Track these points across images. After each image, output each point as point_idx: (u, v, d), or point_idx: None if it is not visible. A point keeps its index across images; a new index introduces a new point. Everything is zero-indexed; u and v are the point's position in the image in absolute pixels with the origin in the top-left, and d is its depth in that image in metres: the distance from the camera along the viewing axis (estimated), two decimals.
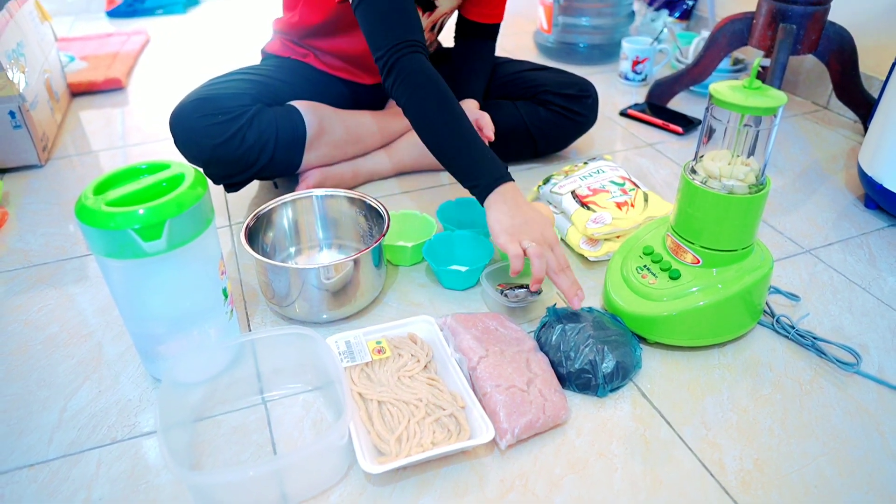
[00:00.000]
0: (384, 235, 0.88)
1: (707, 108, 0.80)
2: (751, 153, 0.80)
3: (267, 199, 1.20)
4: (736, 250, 0.82)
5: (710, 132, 0.82)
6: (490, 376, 0.75)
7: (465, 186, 0.90)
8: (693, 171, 0.83)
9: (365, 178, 1.24)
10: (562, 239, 1.04)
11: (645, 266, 0.88)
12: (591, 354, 0.78)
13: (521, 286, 0.88)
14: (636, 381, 0.81)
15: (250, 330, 0.89)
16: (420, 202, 1.19)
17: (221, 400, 0.78)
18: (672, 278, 0.84)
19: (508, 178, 0.89)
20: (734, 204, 0.79)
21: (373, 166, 1.24)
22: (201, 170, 1.07)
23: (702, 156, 0.83)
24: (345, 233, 1.01)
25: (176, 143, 1.05)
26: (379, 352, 0.79)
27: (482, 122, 1.11)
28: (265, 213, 0.94)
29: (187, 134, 1.04)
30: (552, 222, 0.99)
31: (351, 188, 1.20)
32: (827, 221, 1.13)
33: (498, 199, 0.87)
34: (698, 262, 0.84)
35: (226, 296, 0.79)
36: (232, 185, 1.12)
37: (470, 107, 1.18)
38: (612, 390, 0.79)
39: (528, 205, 0.88)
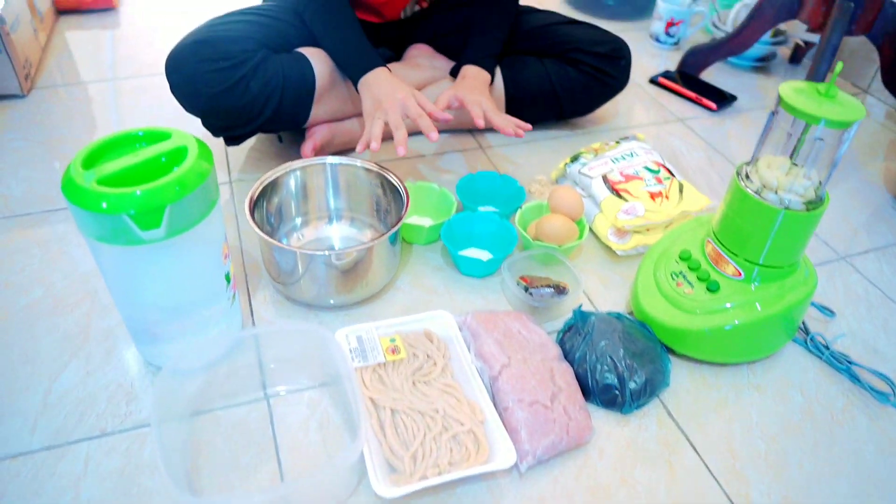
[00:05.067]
0: (402, 220, 0.80)
1: (773, 112, 0.72)
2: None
3: (270, 152, 1.11)
4: (782, 267, 0.77)
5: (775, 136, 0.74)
6: (512, 389, 0.70)
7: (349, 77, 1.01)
8: (747, 178, 0.76)
9: None
10: (589, 228, 0.97)
11: (681, 273, 0.82)
12: (620, 369, 0.73)
13: (548, 286, 0.82)
14: (662, 398, 0.77)
15: (252, 311, 0.82)
16: (438, 170, 1.10)
17: (221, 392, 0.72)
18: (710, 291, 0.78)
19: (380, 64, 0.98)
20: (789, 220, 0.72)
21: None
22: (199, 120, 0.98)
23: (757, 159, 0.76)
24: (357, 205, 0.93)
25: (172, 90, 0.95)
26: (393, 351, 0.73)
27: (474, 110, 0.96)
28: (271, 181, 0.86)
29: (185, 80, 0.94)
30: (581, 208, 0.92)
31: None
32: (862, 223, 1.08)
33: (366, 85, 0.97)
34: (740, 275, 0.78)
35: (228, 280, 0.72)
36: (233, 139, 1.03)
37: (472, 84, 1.04)
38: (637, 407, 0.75)
39: (394, 80, 0.96)
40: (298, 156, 1.09)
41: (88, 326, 0.79)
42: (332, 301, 0.81)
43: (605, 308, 0.87)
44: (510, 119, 0.97)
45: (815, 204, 0.72)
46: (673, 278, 0.81)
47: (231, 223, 0.97)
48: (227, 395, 0.72)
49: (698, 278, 0.80)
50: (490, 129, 1.21)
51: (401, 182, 0.85)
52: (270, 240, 0.76)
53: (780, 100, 0.70)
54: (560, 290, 0.82)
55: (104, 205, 0.56)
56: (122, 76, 1.32)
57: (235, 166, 1.08)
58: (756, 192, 0.73)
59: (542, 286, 0.81)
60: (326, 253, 0.75)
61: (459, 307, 0.85)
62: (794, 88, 0.70)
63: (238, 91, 0.94)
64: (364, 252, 0.77)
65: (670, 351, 0.81)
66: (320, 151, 1.07)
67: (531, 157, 1.16)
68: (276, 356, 0.74)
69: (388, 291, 0.87)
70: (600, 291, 0.90)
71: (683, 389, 0.78)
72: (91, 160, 0.61)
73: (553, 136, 1.22)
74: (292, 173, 0.88)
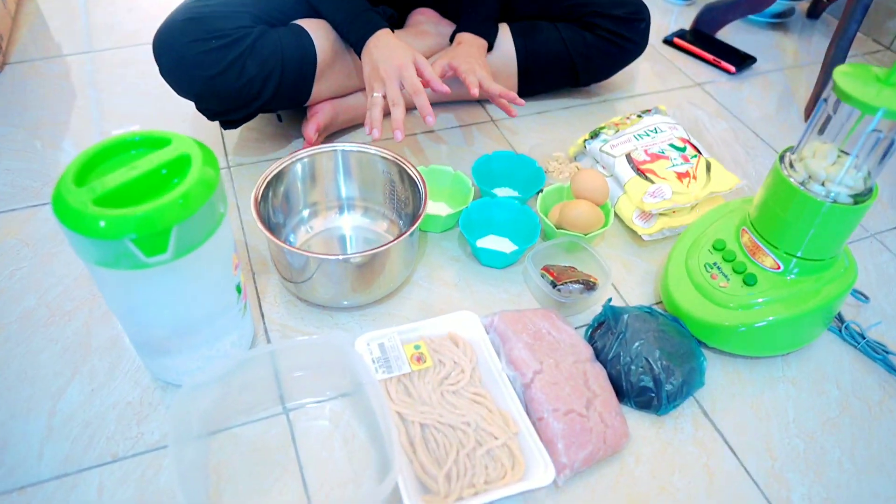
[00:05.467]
0: (420, 218, 0.74)
1: (824, 99, 0.67)
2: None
3: (269, 132, 1.04)
4: (822, 259, 0.73)
5: (824, 124, 0.68)
6: (547, 398, 0.66)
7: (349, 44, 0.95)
8: (791, 166, 0.71)
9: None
10: (612, 207, 0.92)
11: (715, 264, 0.77)
12: (656, 371, 0.70)
13: (576, 281, 0.78)
14: (696, 396, 0.74)
15: (262, 314, 0.78)
16: (448, 146, 1.04)
17: (237, 408, 0.68)
18: (747, 284, 0.74)
19: (381, 26, 0.91)
20: (835, 213, 0.68)
21: None
22: (193, 102, 0.90)
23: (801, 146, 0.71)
24: (370, 193, 0.87)
25: (162, 73, 0.87)
26: (418, 359, 0.69)
27: (469, 79, 0.91)
28: (276, 172, 0.79)
29: (175, 63, 0.86)
30: (606, 193, 0.87)
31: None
32: (889, 197, 1.03)
33: (367, 51, 0.90)
34: (779, 267, 0.74)
35: (239, 291, 0.67)
36: (229, 122, 0.96)
37: (467, 50, 0.98)
38: (672, 408, 0.72)
39: (395, 44, 0.89)
40: (299, 135, 1.03)
41: (89, 336, 0.74)
42: (345, 302, 0.77)
43: (632, 297, 0.84)
44: (506, 91, 0.93)
45: (863, 196, 0.68)
46: (707, 270, 0.77)
47: (232, 214, 0.91)
48: (244, 410, 0.68)
49: (734, 270, 0.76)
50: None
51: (417, 172, 0.79)
52: (281, 244, 0.70)
53: (833, 85, 0.65)
54: (589, 286, 0.78)
55: (103, 229, 0.51)
56: (103, 47, 1.23)
57: (232, 149, 1.02)
58: (801, 184, 0.69)
59: (570, 282, 0.77)
60: (341, 257, 0.70)
61: (481, 301, 0.81)
62: (848, 74, 0.65)
63: (234, 72, 0.86)
64: (382, 255, 0.72)
65: (701, 343, 0.78)
66: (324, 131, 1.00)
67: (545, 130, 1.10)
68: (292, 366, 0.70)
69: (406, 287, 0.82)
70: (625, 278, 0.86)
71: (717, 385, 0.75)
72: (83, 175, 0.55)
73: (567, 106, 1.16)
74: (299, 162, 0.82)
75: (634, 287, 0.85)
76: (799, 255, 0.72)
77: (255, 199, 0.73)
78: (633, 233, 0.91)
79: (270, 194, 0.79)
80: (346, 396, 0.70)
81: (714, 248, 0.79)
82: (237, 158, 1.00)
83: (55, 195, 0.53)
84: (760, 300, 0.74)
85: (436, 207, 0.91)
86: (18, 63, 1.17)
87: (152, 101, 1.10)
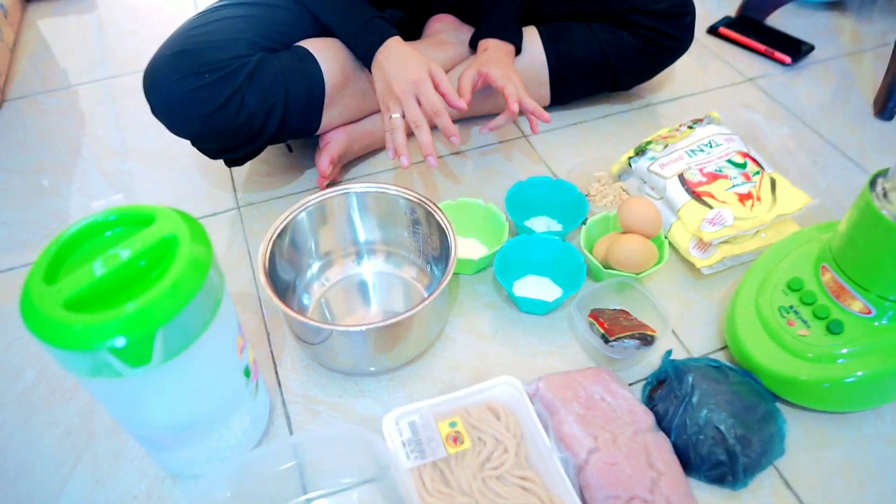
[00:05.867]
0: (450, 273, 0.66)
1: None
2: None
3: (280, 164, 0.96)
4: None
5: None
6: (605, 483, 0.57)
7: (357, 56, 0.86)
8: (885, 196, 0.60)
9: None
10: (665, 237, 0.81)
11: (791, 307, 0.67)
12: (730, 442, 0.60)
13: (631, 335, 0.68)
14: (776, 462, 0.64)
15: (279, 383, 0.70)
16: (477, 167, 0.95)
17: (256, 501, 0.61)
18: (832, 332, 0.64)
19: (390, 35, 0.82)
20: None
21: None
22: (189, 142, 0.83)
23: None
24: (392, 235, 0.78)
25: (154, 113, 0.79)
26: (455, 440, 0.61)
27: (508, 90, 0.83)
28: (282, 227, 0.71)
29: (167, 102, 0.78)
30: (658, 224, 0.77)
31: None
32: None
33: (378, 65, 0.81)
34: (869, 312, 0.63)
35: (248, 374, 0.59)
36: (233, 161, 0.88)
37: (495, 56, 0.89)
38: (749, 480, 0.62)
39: (407, 54, 0.80)
40: (312, 166, 0.95)
41: (92, 417, 0.68)
42: (372, 368, 0.69)
43: (693, 343, 0.74)
44: (538, 108, 0.85)
45: None
46: (782, 315, 0.67)
47: (243, 264, 0.83)
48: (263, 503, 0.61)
49: (815, 315, 0.66)
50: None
51: (444, 217, 0.70)
52: (295, 314, 0.62)
53: None
54: (646, 342, 0.68)
55: (75, 339, 0.43)
56: (108, 75, 1.16)
57: (241, 185, 0.94)
58: None
59: (623, 337, 0.68)
60: (364, 328, 0.61)
61: (522, 354, 0.72)
62: None
63: (233, 108, 0.78)
64: (409, 321, 0.63)
65: (776, 396, 0.68)
66: (338, 162, 0.91)
67: (583, 145, 0.99)
68: (314, 448, 0.62)
69: (438, 342, 0.74)
70: (684, 318, 0.76)
71: (800, 448, 0.65)
72: (53, 269, 0.47)
73: (605, 114, 1.05)
74: (304, 211, 0.73)
75: (695, 329, 0.75)
76: (893, 298, 0.62)
77: (264, 266, 0.65)
78: (690, 264, 0.81)
79: (278, 250, 0.71)
80: (375, 482, 0.62)
81: (789, 287, 0.68)
82: (247, 196, 0.92)
83: (24, 298, 0.46)
84: (846, 350, 0.63)
85: (467, 246, 0.82)
86: (19, 99, 1.10)
87: (155, 136, 1.03)
